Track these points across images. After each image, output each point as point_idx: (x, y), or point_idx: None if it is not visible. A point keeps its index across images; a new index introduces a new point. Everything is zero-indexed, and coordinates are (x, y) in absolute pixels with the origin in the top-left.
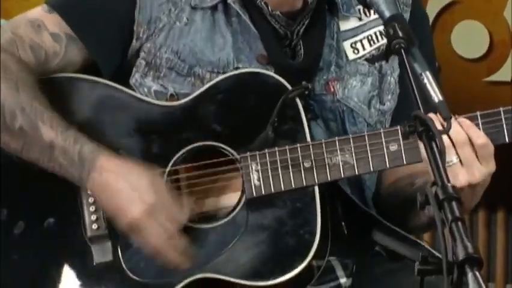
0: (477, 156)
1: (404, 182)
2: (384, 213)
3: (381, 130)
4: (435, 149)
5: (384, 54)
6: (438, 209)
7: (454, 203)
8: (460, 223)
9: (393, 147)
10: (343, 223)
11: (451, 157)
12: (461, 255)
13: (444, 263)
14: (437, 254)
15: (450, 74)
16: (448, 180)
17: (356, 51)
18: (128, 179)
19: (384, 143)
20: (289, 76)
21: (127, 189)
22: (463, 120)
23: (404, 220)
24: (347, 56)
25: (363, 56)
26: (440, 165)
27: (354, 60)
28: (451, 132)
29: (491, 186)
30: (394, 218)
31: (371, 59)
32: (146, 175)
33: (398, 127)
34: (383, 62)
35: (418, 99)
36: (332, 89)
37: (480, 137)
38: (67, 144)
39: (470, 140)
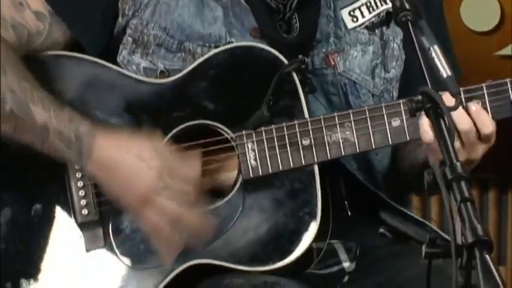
0: (481, 139)
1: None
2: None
3: (383, 104)
4: (443, 126)
5: (385, 21)
6: (447, 190)
7: (463, 183)
8: (469, 204)
9: (396, 123)
10: (346, 203)
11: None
12: (470, 237)
13: (452, 245)
14: (445, 236)
15: (459, 48)
16: (457, 159)
17: (354, 19)
18: (130, 150)
19: (386, 118)
20: (285, 51)
21: (132, 161)
22: (471, 106)
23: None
24: (345, 25)
25: (362, 24)
26: (449, 143)
27: (354, 28)
28: (456, 120)
29: (502, 166)
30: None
31: (371, 27)
32: (147, 142)
33: (400, 101)
34: (384, 28)
35: (426, 74)
36: (332, 62)
37: (487, 127)
38: (62, 124)
39: (475, 125)
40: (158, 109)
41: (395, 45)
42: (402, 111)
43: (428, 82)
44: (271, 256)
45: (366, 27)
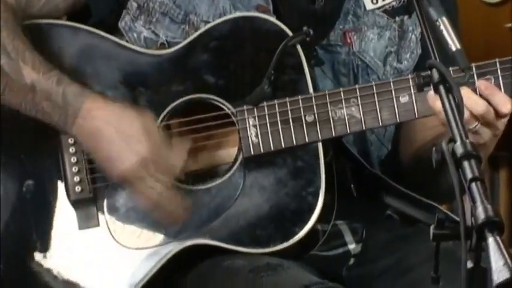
0: (500, 117)
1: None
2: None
3: (391, 79)
4: (452, 102)
5: (406, 8)
6: (456, 168)
7: (473, 161)
8: (479, 183)
9: (404, 99)
10: (352, 185)
11: (475, 123)
12: (480, 218)
13: (462, 227)
14: (454, 217)
15: (470, 20)
16: (466, 136)
17: (374, 1)
18: (119, 125)
19: (394, 94)
20: (307, 22)
21: (117, 138)
22: (484, 86)
23: (435, 188)
24: (364, 6)
25: (381, 7)
26: (458, 120)
27: (372, 10)
28: (469, 104)
29: None
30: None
31: (391, 12)
32: (138, 120)
33: (409, 76)
34: (405, 17)
35: (433, 47)
36: (349, 40)
37: (505, 105)
38: (50, 85)
39: (491, 105)
40: (156, 82)
41: (413, 36)
42: (411, 87)
43: (436, 56)
44: (273, 237)
45: (386, 11)
